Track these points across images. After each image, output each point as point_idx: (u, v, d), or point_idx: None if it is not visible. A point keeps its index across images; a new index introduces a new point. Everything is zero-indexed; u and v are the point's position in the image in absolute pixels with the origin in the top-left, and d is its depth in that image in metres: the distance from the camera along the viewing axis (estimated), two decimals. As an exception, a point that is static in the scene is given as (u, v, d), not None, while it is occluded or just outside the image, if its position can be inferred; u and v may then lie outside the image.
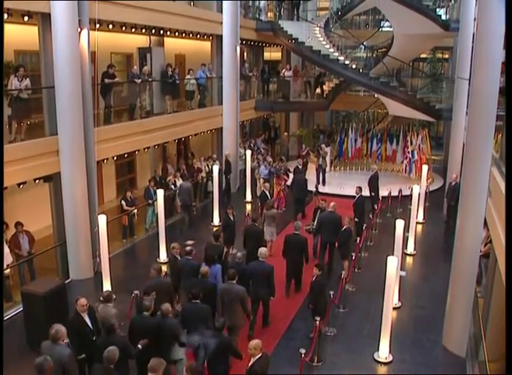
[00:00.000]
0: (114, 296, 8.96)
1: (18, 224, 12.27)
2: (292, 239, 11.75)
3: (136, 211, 15.76)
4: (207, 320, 8.20)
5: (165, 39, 19.20)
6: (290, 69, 24.94)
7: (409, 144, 22.40)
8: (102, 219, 11.57)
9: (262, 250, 10.36)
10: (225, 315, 8.73)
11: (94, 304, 8.67)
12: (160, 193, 13.87)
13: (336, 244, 12.70)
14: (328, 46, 22.88)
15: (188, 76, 18.92)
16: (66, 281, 11.98)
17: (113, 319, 7.83)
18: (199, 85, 19.33)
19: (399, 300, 11.51)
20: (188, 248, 10.40)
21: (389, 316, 9.38)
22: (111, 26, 14.64)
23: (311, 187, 18.10)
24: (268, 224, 13.81)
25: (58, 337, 7.04)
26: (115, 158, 15.69)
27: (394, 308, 10.89)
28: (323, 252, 12.90)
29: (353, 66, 22.10)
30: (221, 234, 11.99)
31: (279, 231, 14.88)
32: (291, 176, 19.02)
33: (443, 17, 23.44)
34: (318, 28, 23.82)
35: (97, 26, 13.13)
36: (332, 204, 13.18)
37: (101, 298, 8.69)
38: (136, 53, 18.30)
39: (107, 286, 11.71)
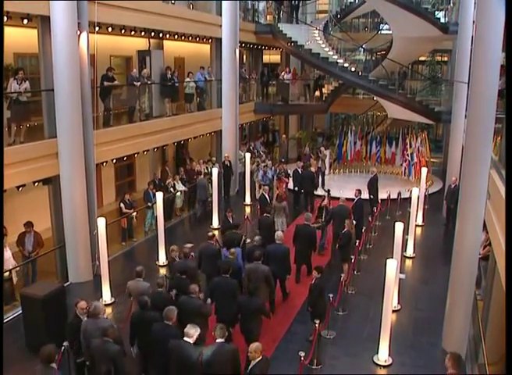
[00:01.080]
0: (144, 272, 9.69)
1: (27, 224, 12.31)
2: (302, 229, 12.69)
3: (135, 214, 15.74)
4: (235, 293, 9.31)
5: (165, 42, 19.26)
6: (289, 72, 24.96)
7: (408, 146, 22.41)
8: (101, 222, 11.58)
9: (279, 233, 11.65)
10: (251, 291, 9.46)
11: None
12: (159, 196, 13.88)
13: (337, 246, 12.87)
14: (327, 49, 22.94)
15: (187, 79, 19.01)
16: (65, 284, 11.96)
17: (145, 295, 8.53)
18: (198, 88, 19.39)
19: (398, 303, 11.48)
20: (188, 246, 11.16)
21: (388, 318, 9.34)
22: (110, 29, 14.67)
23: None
24: (278, 215, 14.73)
25: (97, 312, 7.78)
26: (114, 160, 15.75)
27: (393, 311, 10.89)
28: (334, 245, 13.61)
29: (353, 69, 22.16)
30: (239, 225, 13.32)
31: (290, 223, 15.91)
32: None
33: (442, 20, 23.48)
34: (317, 31, 23.88)
35: (97, 29, 13.18)
36: (342, 197, 14.49)
37: (135, 274, 9.60)
38: (135, 56, 18.37)
39: (106, 289, 11.73)
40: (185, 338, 7.11)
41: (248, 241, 13.50)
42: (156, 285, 9.21)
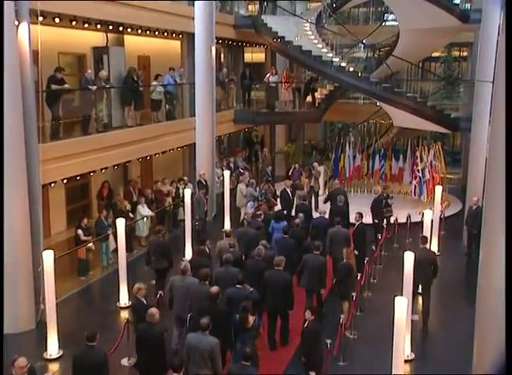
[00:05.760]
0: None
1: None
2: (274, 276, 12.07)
3: (91, 244, 15.54)
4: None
5: (126, 37, 19.21)
6: (276, 74, 24.97)
7: (418, 160, 22.27)
8: (48, 256, 11.33)
9: (278, 258, 11.79)
10: (306, 280, 12.21)
11: (36, 364, 8.35)
12: (120, 223, 13.77)
13: (334, 281, 12.89)
14: (320, 45, 23.02)
15: (154, 83, 18.95)
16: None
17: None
18: (167, 93, 19.38)
19: (411, 351, 11.32)
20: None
21: (399, 370, 9.17)
22: (58, 20, 14.59)
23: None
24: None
25: (186, 270, 10.10)
26: (65, 181, 15.52)
27: (406, 361, 10.67)
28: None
29: (351, 69, 22.23)
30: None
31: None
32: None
33: (461, 6, 23.56)
34: (308, 24, 23.96)
35: (40, 19, 12.87)
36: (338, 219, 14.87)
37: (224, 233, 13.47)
38: (90, 54, 18.20)
39: (52, 339, 11.37)
40: None
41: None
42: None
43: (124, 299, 13.62)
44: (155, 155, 19.63)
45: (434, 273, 12.90)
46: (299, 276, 12.57)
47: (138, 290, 10.65)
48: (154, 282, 13.33)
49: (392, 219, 18.12)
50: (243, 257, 12.96)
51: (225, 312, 10.07)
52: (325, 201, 18.44)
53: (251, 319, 9.87)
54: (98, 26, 16.80)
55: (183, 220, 17.49)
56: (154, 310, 9.50)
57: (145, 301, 10.59)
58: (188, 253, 16.55)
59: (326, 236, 14.12)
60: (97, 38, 18.30)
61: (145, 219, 17.73)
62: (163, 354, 9.31)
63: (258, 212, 16.04)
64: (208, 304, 9.93)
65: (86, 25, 16.14)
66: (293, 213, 17.37)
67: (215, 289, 10.17)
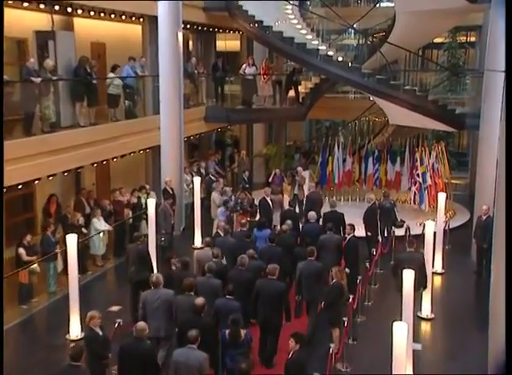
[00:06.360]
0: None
1: None
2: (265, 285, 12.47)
3: (35, 265, 15.33)
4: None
5: (76, 20, 19.13)
6: (253, 65, 24.95)
7: (418, 164, 22.44)
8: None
9: (271, 266, 12.24)
10: (305, 291, 12.85)
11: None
12: (71, 239, 13.47)
13: (322, 304, 12.72)
14: (304, 31, 23.33)
15: (111, 75, 18.87)
16: None
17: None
18: (126, 87, 19.31)
19: (414, 386, 11.41)
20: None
21: (400, 410, 9.20)
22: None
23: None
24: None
25: (158, 282, 10.55)
26: (4, 190, 15.22)
27: (408, 399, 10.78)
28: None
29: (340, 59, 22.42)
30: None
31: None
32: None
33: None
34: (290, 6, 24.04)
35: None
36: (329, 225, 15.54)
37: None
38: (32, 39, 18.04)
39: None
40: None
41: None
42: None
43: (75, 331, 13.34)
44: (113, 159, 19.52)
45: (424, 279, 13.14)
46: (298, 287, 13.20)
47: (91, 318, 10.39)
48: (113, 308, 13.37)
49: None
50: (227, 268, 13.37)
51: (211, 325, 10.45)
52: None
53: (243, 333, 10.18)
54: (42, 6, 16.61)
55: (146, 235, 17.02)
56: (142, 324, 9.81)
57: (100, 332, 10.44)
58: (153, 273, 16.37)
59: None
60: (40, 21, 18.11)
61: (101, 234, 17.61)
62: (156, 372, 9.77)
63: (243, 221, 16.59)
64: (193, 316, 10.37)
65: (25, 4, 15.95)
66: (276, 222, 17.90)
67: (200, 300, 10.49)
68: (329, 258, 14.02)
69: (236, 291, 11.40)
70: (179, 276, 12.20)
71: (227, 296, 11.23)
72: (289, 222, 15.87)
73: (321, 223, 17.10)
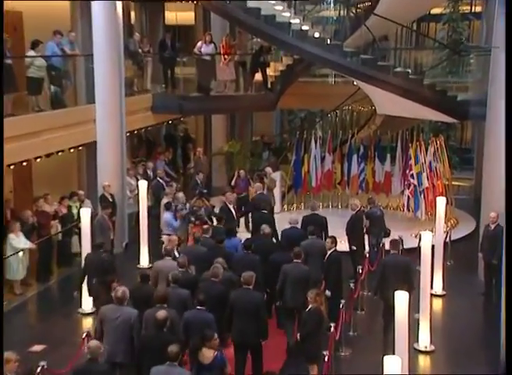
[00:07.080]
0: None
1: None
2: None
3: None
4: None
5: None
6: (211, 42, 24.82)
7: (412, 162, 22.44)
8: None
9: (246, 275, 13.05)
10: (288, 296, 13.70)
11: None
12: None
13: (298, 336, 12.70)
14: (273, 1, 22.86)
15: (31, 53, 18.31)
16: None
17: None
18: (52, 69, 18.97)
19: None
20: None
21: None
22: None
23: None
24: None
25: (123, 298, 11.32)
26: None
27: None
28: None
29: (317, 35, 22.58)
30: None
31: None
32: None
33: None
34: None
35: None
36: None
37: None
38: None
39: None
40: None
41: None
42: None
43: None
44: (36, 159, 19.05)
45: (409, 284, 13.44)
46: (280, 294, 13.96)
47: (7, 362, 10.16)
48: (36, 347, 13.67)
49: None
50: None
51: (171, 342, 10.39)
52: (243, 215, 20.04)
53: (209, 353, 10.39)
54: None
55: (79, 254, 17.23)
56: (95, 342, 10.35)
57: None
58: (86, 302, 16.29)
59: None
60: None
61: (20, 254, 17.29)
62: None
63: (205, 227, 16.82)
64: (153, 332, 11.04)
65: None
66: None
67: (161, 314, 10.98)
68: (314, 267, 14.47)
69: (207, 305, 11.89)
70: (141, 290, 12.92)
71: (198, 307, 11.73)
72: (264, 226, 16.13)
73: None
